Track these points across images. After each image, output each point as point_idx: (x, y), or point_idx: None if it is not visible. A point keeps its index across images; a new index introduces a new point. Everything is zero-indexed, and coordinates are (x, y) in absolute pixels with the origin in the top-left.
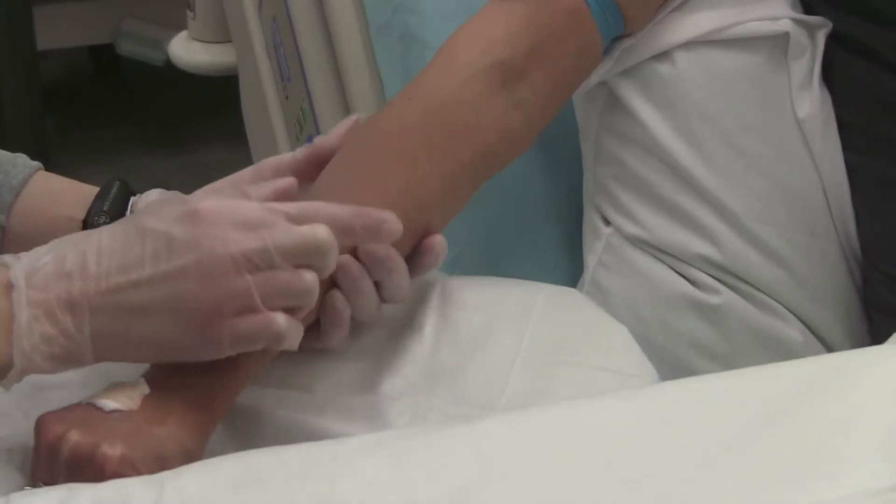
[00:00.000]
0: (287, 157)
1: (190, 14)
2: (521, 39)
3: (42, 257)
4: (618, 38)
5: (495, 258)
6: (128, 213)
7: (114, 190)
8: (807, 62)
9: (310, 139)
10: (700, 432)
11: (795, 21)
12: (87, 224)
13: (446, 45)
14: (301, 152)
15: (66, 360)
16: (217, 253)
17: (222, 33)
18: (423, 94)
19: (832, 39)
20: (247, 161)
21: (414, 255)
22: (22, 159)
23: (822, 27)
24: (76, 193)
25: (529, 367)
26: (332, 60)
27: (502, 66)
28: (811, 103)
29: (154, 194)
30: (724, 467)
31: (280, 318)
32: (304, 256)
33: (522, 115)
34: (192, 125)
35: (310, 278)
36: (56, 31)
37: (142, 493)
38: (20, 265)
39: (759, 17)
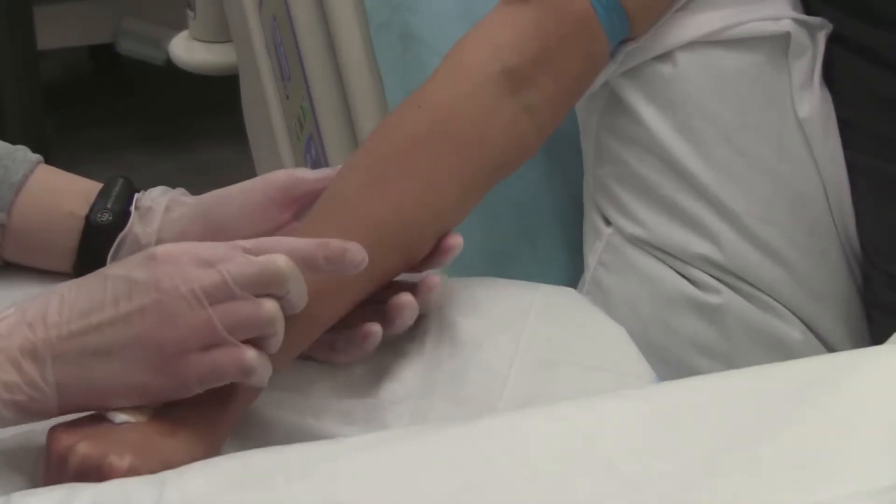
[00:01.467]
0: (300, 174)
1: (190, 13)
2: (529, 44)
3: (5, 310)
4: (622, 42)
5: (496, 257)
6: (132, 209)
7: (117, 187)
8: (807, 62)
9: (310, 140)
10: (700, 432)
11: (796, 21)
12: (90, 221)
13: (454, 50)
14: (320, 175)
15: (29, 409)
16: (178, 290)
17: (222, 33)
18: (431, 101)
19: (833, 39)
20: (247, 160)
21: (432, 255)
22: (22, 153)
23: (823, 28)
24: (78, 189)
25: (528, 367)
26: (332, 59)
27: (510, 72)
28: (812, 103)
29: (157, 191)
30: (725, 467)
31: (249, 351)
32: (263, 286)
33: (531, 121)
34: (192, 124)
35: (270, 306)
36: (56, 31)
37: (143, 492)
38: None
39: (761, 18)
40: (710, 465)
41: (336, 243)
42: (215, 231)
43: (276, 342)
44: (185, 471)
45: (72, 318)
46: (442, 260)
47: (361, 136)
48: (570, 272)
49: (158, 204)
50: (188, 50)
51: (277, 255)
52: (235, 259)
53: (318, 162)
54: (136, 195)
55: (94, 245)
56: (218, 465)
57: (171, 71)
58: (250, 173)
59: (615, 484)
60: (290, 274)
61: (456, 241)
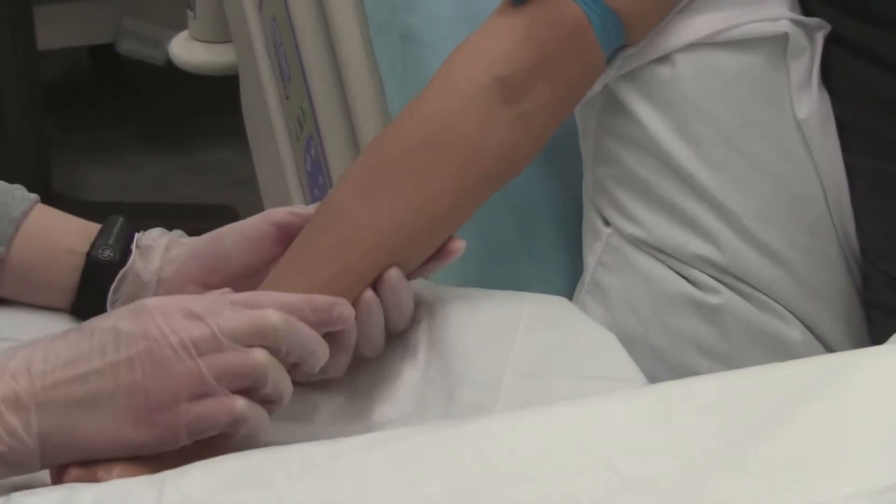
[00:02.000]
0: (298, 210)
1: (190, 14)
2: (523, 53)
3: None
4: (619, 48)
5: (495, 259)
6: (132, 248)
7: (117, 226)
8: (806, 62)
9: (309, 141)
10: (700, 432)
11: (794, 22)
12: (91, 257)
13: (448, 61)
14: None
15: (9, 460)
16: (166, 340)
17: (222, 33)
18: (426, 112)
19: (831, 40)
20: (247, 160)
21: (435, 257)
22: (20, 191)
23: (821, 28)
24: (76, 228)
25: (519, 379)
26: (332, 60)
27: (504, 81)
28: (810, 104)
29: (156, 232)
30: (725, 467)
31: (239, 401)
32: (254, 339)
33: (525, 130)
34: (192, 124)
35: (259, 355)
36: (56, 31)
37: (142, 492)
38: None
39: (759, 19)
40: (710, 465)
41: (323, 300)
42: (211, 268)
43: (274, 391)
44: (184, 470)
45: (57, 367)
46: (443, 262)
47: (361, 137)
48: (570, 273)
49: (158, 243)
50: (188, 50)
51: (269, 310)
52: (224, 313)
53: (317, 162)
54: (137, 235)
55: (95, 281)
56: (218, 465)
57: (171, 71)
58: (250, 173)
59: (615, 484)
60: (282, 327)
61: (458, 244)
